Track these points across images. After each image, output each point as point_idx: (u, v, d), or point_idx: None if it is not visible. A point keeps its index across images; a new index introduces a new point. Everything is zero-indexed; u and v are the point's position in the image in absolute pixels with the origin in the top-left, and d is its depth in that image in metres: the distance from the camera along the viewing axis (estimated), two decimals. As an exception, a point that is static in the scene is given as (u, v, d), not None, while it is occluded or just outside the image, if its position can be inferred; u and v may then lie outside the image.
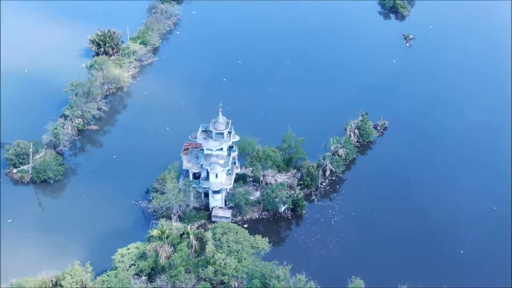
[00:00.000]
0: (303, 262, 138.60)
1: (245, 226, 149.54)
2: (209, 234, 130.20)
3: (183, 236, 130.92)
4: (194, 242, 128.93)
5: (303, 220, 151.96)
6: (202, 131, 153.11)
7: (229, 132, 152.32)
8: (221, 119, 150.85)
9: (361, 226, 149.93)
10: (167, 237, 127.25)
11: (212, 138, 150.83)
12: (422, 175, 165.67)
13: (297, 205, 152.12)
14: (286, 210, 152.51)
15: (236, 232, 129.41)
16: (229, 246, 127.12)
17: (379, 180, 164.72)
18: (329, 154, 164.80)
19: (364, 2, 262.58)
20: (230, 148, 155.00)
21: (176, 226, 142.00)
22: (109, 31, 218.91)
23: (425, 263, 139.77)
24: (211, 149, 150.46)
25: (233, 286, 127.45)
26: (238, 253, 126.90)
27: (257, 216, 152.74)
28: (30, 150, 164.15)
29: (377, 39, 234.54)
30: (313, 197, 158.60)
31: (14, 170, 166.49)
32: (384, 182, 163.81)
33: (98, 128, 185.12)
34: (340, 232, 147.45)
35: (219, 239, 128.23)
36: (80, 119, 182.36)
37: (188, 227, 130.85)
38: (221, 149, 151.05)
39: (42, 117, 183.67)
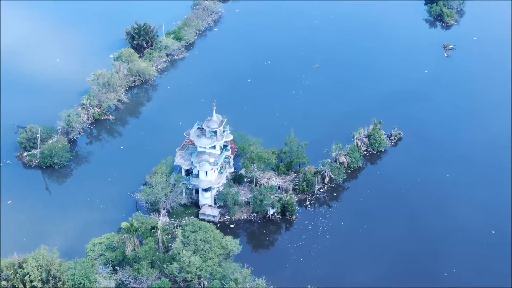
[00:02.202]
0: (278, 267, 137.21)
1: (232, 226, 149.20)
2: (179, 231, 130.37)
3: (153, 230, 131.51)
4: (163, 238, 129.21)
5: (291, 225, 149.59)
6: (198, 128, 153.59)
7: (224, 131, 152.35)
8: (215, 117, 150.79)
9: (347, 237, 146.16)
10: (136, 230, 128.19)
11: (205, 135, 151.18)
12: (425, 190, 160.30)
13: (287, 209, 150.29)
14: (275, 214, 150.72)
15: (205, 232, 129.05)
16: (196, 245, 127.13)
17: (379, 191, 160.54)
18: (329, 161, 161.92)
19: (413, 8, 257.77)
20: (225, 146, 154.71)
21: (162, 220, 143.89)
22: (144, 24, 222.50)
23: (402, 282, 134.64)
24: (204, 147, 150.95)
25: (201, 285, 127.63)
26: (205, 252, 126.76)
27: (245, 217, 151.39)
28: (37, 135, 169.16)
29: (415, 46, 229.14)
30: (307, 202, 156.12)
31: (25, 154, 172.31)
32: (384, 194, 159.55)
33: (114, 118, 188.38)
34: (324, 241, 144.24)
35: (188, 237, 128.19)
36: (97, 109, 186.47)
37: (158, 222, 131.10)
38: (214, 147, 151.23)
39: (65, 105, 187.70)
